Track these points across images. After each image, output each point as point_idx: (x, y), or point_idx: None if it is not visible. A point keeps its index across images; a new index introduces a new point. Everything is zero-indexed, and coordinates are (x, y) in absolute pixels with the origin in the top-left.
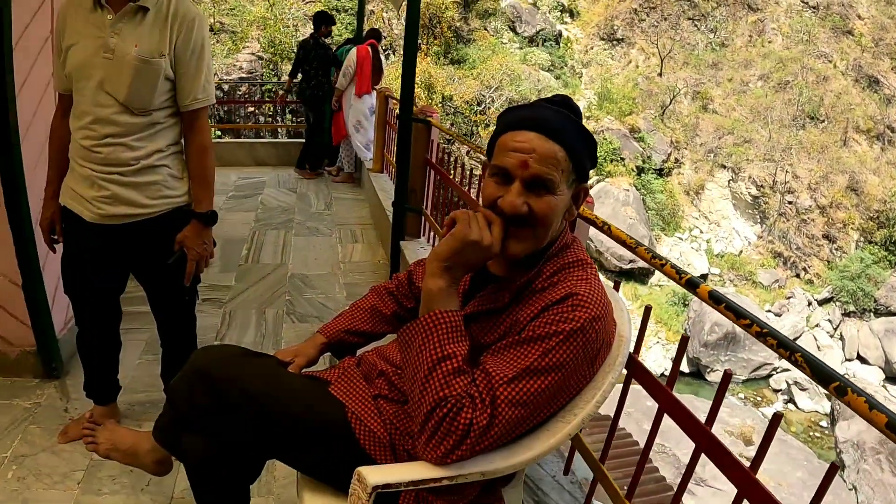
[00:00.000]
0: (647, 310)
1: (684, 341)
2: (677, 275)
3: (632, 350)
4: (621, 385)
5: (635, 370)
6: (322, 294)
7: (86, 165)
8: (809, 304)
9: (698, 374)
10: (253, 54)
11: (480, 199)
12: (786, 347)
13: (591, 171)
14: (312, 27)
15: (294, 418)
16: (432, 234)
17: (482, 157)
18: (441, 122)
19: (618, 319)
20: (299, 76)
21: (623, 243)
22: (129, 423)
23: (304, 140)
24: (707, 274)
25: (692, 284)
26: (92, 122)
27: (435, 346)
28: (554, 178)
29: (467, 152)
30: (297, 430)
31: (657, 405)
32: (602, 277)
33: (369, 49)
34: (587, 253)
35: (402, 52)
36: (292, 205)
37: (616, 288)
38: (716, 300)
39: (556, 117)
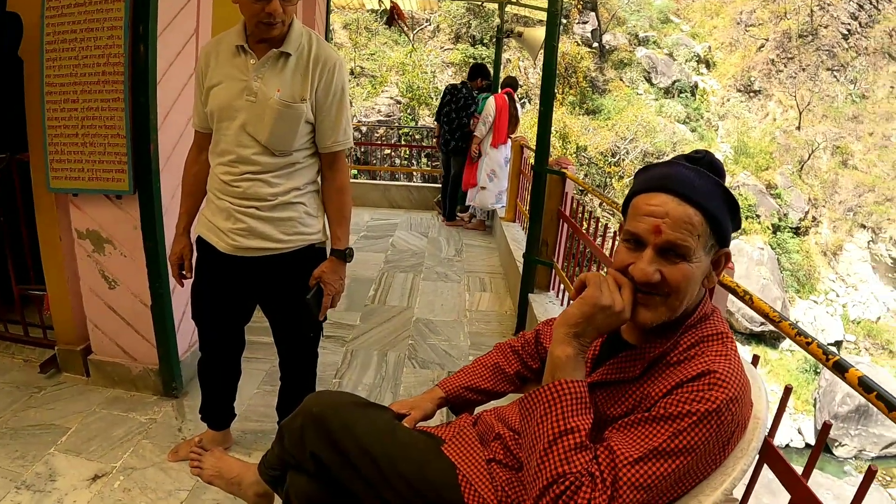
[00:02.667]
0: (787, 391)
1: (826, 429)
2: (824, 355)
3: (767, 433)
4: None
5: (769, 455)
6: (446, 341)
7: (224, 198)
8: None
9: (825, 447)
10: (391, 98)
11: (613, 260)
12: None
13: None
14: (469, 76)
15: (404, 476)
16: (562, 288)
17: (615, 210)
18: (575, 173)
19: (755, 399)
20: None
21: (766, 316)
22: (239, 451)
23: (440, 186)
24: (842, 341)
25: (840, 368)
26: (233, 161)
27: (558, 418)
28: (689, 245)
29: (600, 204)
30: (405, 487)
31: (789, 496)
32: (740, 349)
33: (506, 98)
34: (726, 324)
35: (537, 101)
36: (423, 249)
37: (755, 363)
38: (866, 388)
39: (694, 177)
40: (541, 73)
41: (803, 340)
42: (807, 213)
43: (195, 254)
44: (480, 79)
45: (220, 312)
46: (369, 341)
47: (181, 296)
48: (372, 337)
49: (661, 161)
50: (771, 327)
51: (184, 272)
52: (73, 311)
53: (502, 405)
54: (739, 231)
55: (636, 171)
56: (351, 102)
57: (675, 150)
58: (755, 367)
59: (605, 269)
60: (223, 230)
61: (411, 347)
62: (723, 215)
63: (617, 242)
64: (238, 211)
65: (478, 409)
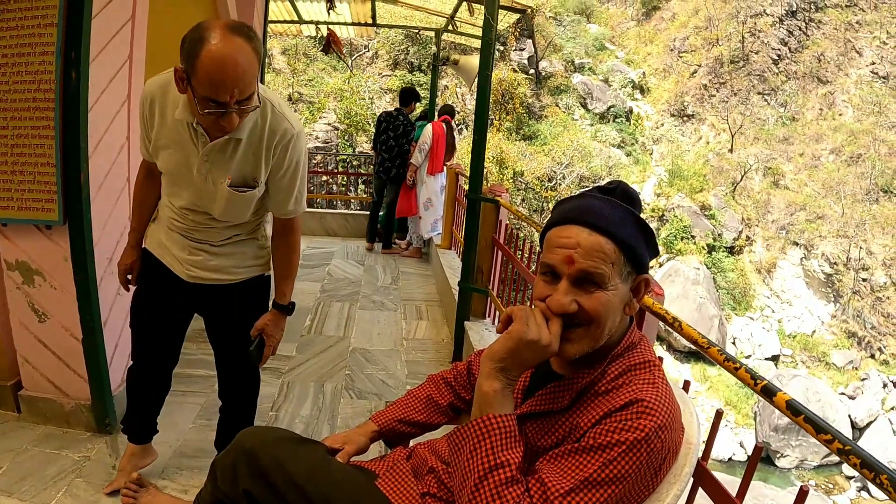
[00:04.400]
0: (718, 415)
1: (757, 451)
2: (752, 380)
3: (700, 456)
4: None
5: (703, 479)
6: (383, 370)
7: (177, 234)
8: (885, 385)
9: (768, 459)
10: (329, 124)
11: (532, 293)
12: (870, 468)
13: (651, 261)
14: (400, 102)
15: None
16: (498, 315)
17: None
18: (512, 198)
19: (686, 424)
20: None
21: (695, 343)
22: (175, 488)
23: (385, 219)
24: (778, 355)
25: (768, 392)
26: (183, 216)
27: (487, 453)
28: (603, 272)
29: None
30: None
31: None
32: (680, 367)
33: (444, 126)
34: (654, 352)
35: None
36: (359, 277)
37: (686, 388)
38: (794, 411)
39: (604, 208)
40: (475, 104)
41: (731, 366)
42: (741, 232)
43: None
44: (414, 101)
45: (160, 324)
46: (306, 372)
47: (113, 330)
48: (308, 368)
49: (574, 194)
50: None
51: (129, 281)
52: (3, 344)
53: (436, 437)
54: (676, 252)
55: (554, 204)
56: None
57: (610, 174)
58: (686, 391)
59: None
60: (179, 259)
61: (348, 378)
62: (637, 242)
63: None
64: (193, 247)
65: (413, 442)
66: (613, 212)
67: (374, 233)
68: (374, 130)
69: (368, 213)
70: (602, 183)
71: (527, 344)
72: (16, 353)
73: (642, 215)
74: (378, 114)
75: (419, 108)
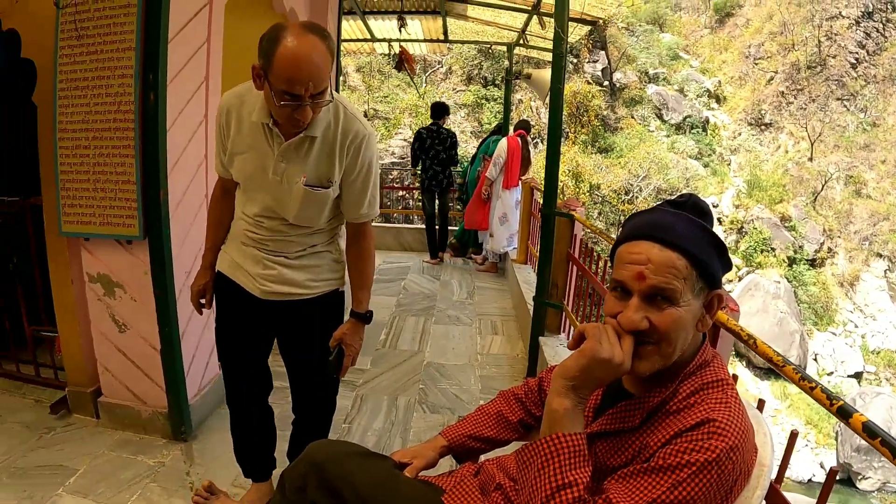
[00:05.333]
0: (793, 436)
1: (832, 475)
2: (828, 400)
3: (773, 478)
4: None
5: (776, 503)
6: (456, 385)
7: (251, 247)
8: None
9: (848, 480)
10: (405, 140)
11: (604, 310)
12: None
13: (724, 276)
14: (434, 116)
15: None
16: (572, 330)
17: None
18: (589, 212)
19: (759, 445)
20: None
21: (770, 360)
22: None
23: (439, 227)
24: (862, 372)
25: (844, 413)
26: (258, 225)
27: (555, 472)
28: (675, 288)
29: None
30: None
31: None
32: (758, 384)
33: (519, 140)
34: (727, 370)
35: None
36: (435, 292)
37: (760, 407)
38: (870, 434)
39: (675, 222)
40: (548, 119)
41: (807, 385)
42: (822, 244)
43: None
44: (445, 115)
45: (246, 351)
46: (380, 386)
47: (191, 340)
48: (382, 381)
49: (644, 209)
50: (793, 360)
51: (203, 303)
52: (84, 353)
53: (505, 454)
54: (755, 266)
55: (625, 219)
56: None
57: (688, 186)
58: (760, 411)
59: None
60: (252, 274)
61: (422, 392)
62: (709, 257)
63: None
64: (268, 259)
65: (482, 458)
66: (685, 226)
67: (435, 248)
68: (422, 146)
69: (426, 229)
70: (675, 196)
71: (599, 362)
72: (96, 362)
73: (721, 228)
74: (454, 129)
75: (494, 122)
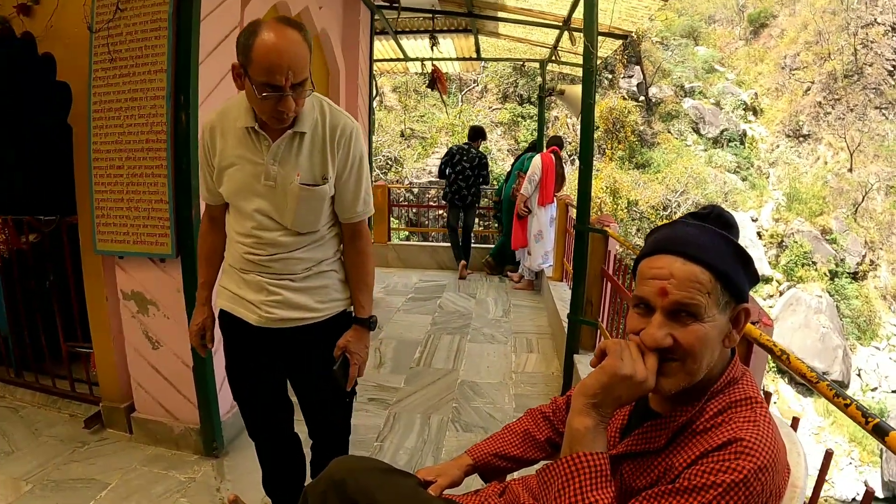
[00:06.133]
0: (828, 457)
1: (868, 496)
2: (863, 418)
3: (807, 499)
4: None
5: None
6: (490, 404)
7: (252, 273)
8: None
9: (893, 500)
10: (441, 159)
11: (626, 327)
12: None
13: (751, 290)
14: (470, 138)
15: None
16: None
17: None
18: (626, 228)
19: (792, 465)
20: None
21: (803, 377)
22: None
23: (461, 243)
24: None
25: (880, 431)
26: (257, 244)
27: (575, 493)
28: (699, 303)
29: None
30: None
31: None
32: (800, 400)
33: (552, 157)
34: (757, 388)
35: None
36: (471, 310)
37: (794, 425)
38: None
39: (697, 235)
40: (580, 134)
41: (841, 402)
42: (864, 256)
43: (216, 323)
44: (481, 139)
45: (260, 385)
46: (413, 404)
47: (223, 358)
48: (416, 400)
49: (666, 223)
50: (833, 376)
51: (205, 342)
52: (118, 369)
53: (531, 474)
54: (797, 280)
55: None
56: (372, 167)
57: (726, 201)
58: (794, 429)
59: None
60: (254, 303)
61: (455, 410)
62: (734, 270)
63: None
64: (271, 284)
65: (509, 477)
66: (708, 239)
67: (459, 253)
68: (450, 161)
69: (450, 243)
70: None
71: (621, 379)
72: (130, 378)
73: (761, 242)
74: (490, 147)
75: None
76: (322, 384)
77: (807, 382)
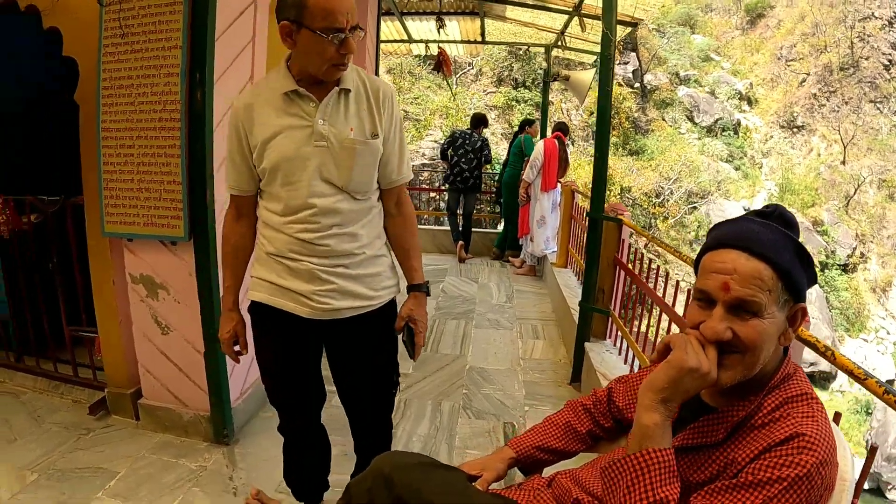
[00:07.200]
0: (873, 451)
1: (872, 451)
2: None
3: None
4: None
5: None
6: (500, 391)
7: (304, 259)
8: None
9: (878, 490)
10: (435, 142)
11: (686, 319)
12: None
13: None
14: (472, 126)
15: None
16: (619, 336)
17: (679, 258)
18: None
19: (840, 459)
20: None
21: (850, 373)
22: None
23: (461, 227)
24: (894, 380)
25: None
26: (313, 215)
27: (646, 489)
28: (760, 301)
29: (645, 245)
30: None
31: None
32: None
33: (556, 143)
34: (810, 384)
35: (580, 144)
36: (474, 295)
37: (836, 420)
38: None
39: (762, 232)
40: (583, 115)
41: (892, 399)
42: (854, 249)
43: (247, 327)
44: (482, 126)
45: (299, 379)
46: (423, 390)
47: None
48: (425, 386)
49: (730, 219)
50: (821, 367)
51: (238, 349)
52: (125, 354)
53: (576, 467)
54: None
55: (710, 227)
56: None
57: (719, 190)
58: (836, 424)
59: (678, 327)
60: (304, 293)
61: (466, 397)
62: (795, 269)
63: (689, 302)
64: (324, 271)
65: (548, 471)
66: (772, 236)
67: (458, 235)
68: (452, 143)
69: (491, 231)
70: (759, 207)
71: (688, 372)
72: (137, 363)
73: None
74: (484, 131)
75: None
76: (372, 374)
77: (854, 379)
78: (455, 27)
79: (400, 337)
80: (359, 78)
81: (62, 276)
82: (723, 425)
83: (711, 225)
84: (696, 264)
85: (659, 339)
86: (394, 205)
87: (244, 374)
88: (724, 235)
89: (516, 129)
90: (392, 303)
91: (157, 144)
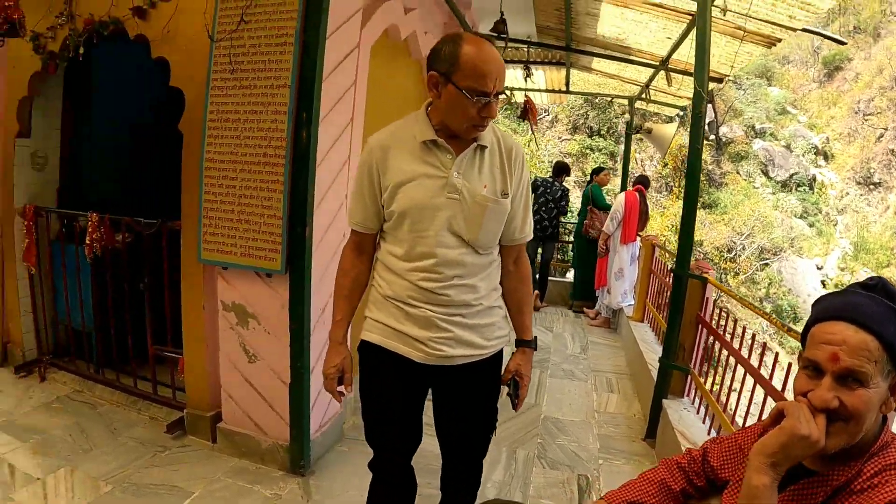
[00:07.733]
0: None
1: None
2: None
3: None
4: None
5: None
6: (574, 442)
7: (423, 306)
8: None
9: None
10: None
11: (794, 387)
12: None
13: None
14: (554, 173)
15: None
16: (698, 394)
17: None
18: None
19: None
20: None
21: None
22: None
23: (538, 276)
24: None
25: None
26: (436, 265)
27: None
28: (866, 371)
29: (716, 299)
30: None
31: None
32: None
33: (637, 196)
34: None
35: (652, 194)
36: (549, 344)
37: None
38: None
39: (869, 304)
40: (657, 166)
41: None
42: None
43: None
44: (564, 174)
45: (404, 424)
46: (498, 438)
47: (319, 375)
48: (501, 433)
49: (837, 290)
50: None
51: (341, 389)
52: (208, 377)
53: None
54: None
55: (815, 299)
56: None
57: (792, 246)
58: None
59: (762, 388)
60: (420, 339)
61: (540, 446)
62: None
63: (798, 371)
64: (442, 319)
65: None
66: (878, 309)
67: (533, 286)
68: (533, 192)
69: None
70: (862, 279)
71: (799, 439)
72: (220, 388)
73: (825, 291)
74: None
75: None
76: (476, 419)
77: None
78: (541, 76)
79: (504, 389)
80: (494, 135)
81: (152, 295)
82: (822, 489)
83: (783, 283)
84: (803, 335)
85: (770, 407)
86: (512, 262)
87: (325, 406)
88: (832, 308)
89: (588, 178)
90: (501, 351)
91: (261, 179)
